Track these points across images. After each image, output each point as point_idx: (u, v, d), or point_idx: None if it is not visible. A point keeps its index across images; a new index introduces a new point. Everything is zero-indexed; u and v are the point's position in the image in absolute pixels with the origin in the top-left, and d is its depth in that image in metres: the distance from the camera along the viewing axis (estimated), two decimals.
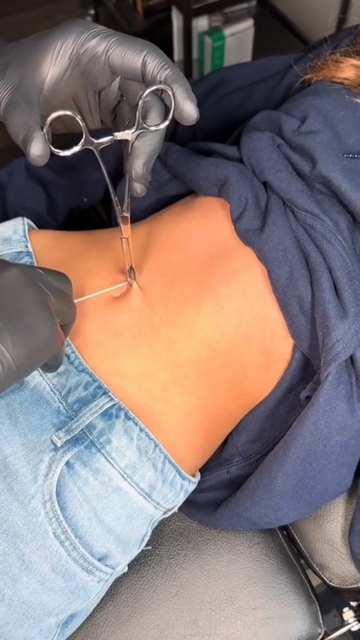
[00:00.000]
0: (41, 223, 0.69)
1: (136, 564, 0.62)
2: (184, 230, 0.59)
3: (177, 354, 0.54)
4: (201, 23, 1.64)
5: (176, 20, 1.64)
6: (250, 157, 0.59)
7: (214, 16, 1.64)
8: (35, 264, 0.57)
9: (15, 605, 0.48)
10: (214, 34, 1.64)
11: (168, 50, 1.74)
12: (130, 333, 0.54)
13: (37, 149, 0.41)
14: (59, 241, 0.61)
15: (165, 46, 1.75)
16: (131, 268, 0.55)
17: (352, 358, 0.50)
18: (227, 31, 1.65)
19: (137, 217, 0.68)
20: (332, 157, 0.55)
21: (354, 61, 0.62)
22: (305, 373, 0.56)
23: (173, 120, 0.75)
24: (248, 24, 1.68)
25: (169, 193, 0.66)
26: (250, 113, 0.66)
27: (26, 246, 0.58)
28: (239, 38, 1.69)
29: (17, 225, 0.61)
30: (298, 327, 0.53)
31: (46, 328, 0.39)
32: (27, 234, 0.60)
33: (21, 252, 0.58)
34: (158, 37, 1.81)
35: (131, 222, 0.66)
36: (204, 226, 0.59)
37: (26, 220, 0.62)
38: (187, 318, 0.54)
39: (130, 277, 0.55)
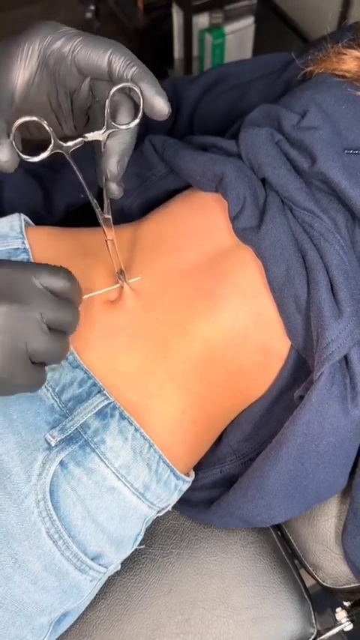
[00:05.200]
0: (38, 219, 0.68)
1: (129, 562, 0.62)
2: (181, 229, 0.59)
3: (173, 353, 0.54)
4: (201, 20, 1.63)
5: (177, 17, 1.63)
6: (249, 152, 0.58)
7: (215, 13, 1.63)
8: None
9: (7, 603, 0.48)
10: (214, 32, 1.64)
11: (168, 47, 1.74)
12: (126, 332, 0.54)
13: (4, 155, 0.41)
14: (56, 238, 0.61)
15: (165, 42, 1.74)
16: (121, 271, 0.54)
17: (346, 358, 0.50)
18: (228, 28, 1.65)
19: (135, 213, 0.67)
20: (332, 153, 0.55)
21: (356, 53, 0.61)
22: (301, 373, 0.56)
23: (172, 116, 0.76)
24: (249, 21, 1.68)
25: (167, 187, 0.66)
26: (248, 110, 0.65)
27: (23, 243, 0.58)
28: (240, 36, 1.69)
29: (14, 222, 0.60)
30: (293, 326, 0.53)
31: (22, 380, 0.41)
32: (24, 230, 0.59)
33: (17, 248, 0.58)
34: (158, 33, 1.81)
35: (129, 219, 0.66)
36: (202, 225, 0.59)
37: (23, 217, 0.61)
38: (183, 317, 0.54)
39: (121, 279, 0.55)
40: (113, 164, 0.45)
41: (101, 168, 0.46)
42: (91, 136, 0.45)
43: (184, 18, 1.55)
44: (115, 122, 0.45)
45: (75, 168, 0.46)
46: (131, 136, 0.46)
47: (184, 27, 1.57)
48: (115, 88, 0.43)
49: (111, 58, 0.43)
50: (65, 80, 0.45)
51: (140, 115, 0.44)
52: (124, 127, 0.45)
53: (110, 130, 0.45)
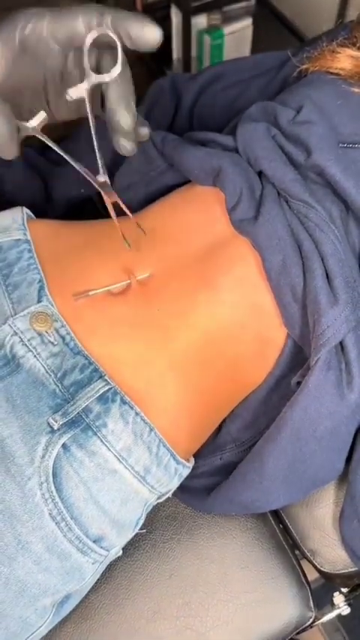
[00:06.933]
0: (39, 214, 0.69)
1: (130, 548, 0.63)
2: (181, 223, 0.60)
3: (174, 343, 0.55)
4: (200, 21, 1.64)
5: (175, 18, 1.64)
6: (246, 146, 0.59)
7: (213, 14, 1.64)
8: (34, 253, 0.58)
9: (11, 584, 0.49)
10: (212, 33, 1.65)
11: (167, 48, 1.74)
12: (127, 322, 0.55)
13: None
14: (58, 231, 0.62)
15: (164, 43, 1.74)
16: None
17: (341, 344, 0.51)
18: (226, 29, 1.66)
19: (135, 208, 0.68)
20: (327, 146, 0.56)
21: (350, 52, 0.62)
22: (297, 361, 0.57)
23: (171, 113, 0.77)
24: (247, 22, 1.68)
25: (166, 183, 0.67)
26: (247, 107, 0.66)
27: (25, 235, 0.59)
28: (238, 37, 1.70)
29: (16, 214, 0.61)
30: (290, 315, 0.54)
31: None
32: (26, 222, 0.60)
33: (19, 240, 0.59)
34: None
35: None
36: (201, 218, 0.60)
37: (25, 210, 0.62)
38: (184, 307, 0.55)
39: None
40: (123, 113, 0.43)
41: (109, 122, 0.44)
42: (72, 92, 0.43)
43: (182, 19, 1.55)
44: (101, 73, 0.43)
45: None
46: (127, 80, 0.44)
47: (183, 28, 1.57)
48: (91, 34, 0.41)
49: (84, 19, 0.42)
50: (48, 59, 0.44)
51: (120, 58, 0.42)
52: (108, 77, 0.43)
53: (96, 82, 0.43)
